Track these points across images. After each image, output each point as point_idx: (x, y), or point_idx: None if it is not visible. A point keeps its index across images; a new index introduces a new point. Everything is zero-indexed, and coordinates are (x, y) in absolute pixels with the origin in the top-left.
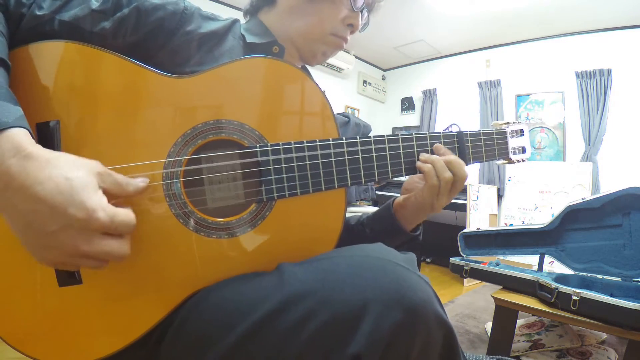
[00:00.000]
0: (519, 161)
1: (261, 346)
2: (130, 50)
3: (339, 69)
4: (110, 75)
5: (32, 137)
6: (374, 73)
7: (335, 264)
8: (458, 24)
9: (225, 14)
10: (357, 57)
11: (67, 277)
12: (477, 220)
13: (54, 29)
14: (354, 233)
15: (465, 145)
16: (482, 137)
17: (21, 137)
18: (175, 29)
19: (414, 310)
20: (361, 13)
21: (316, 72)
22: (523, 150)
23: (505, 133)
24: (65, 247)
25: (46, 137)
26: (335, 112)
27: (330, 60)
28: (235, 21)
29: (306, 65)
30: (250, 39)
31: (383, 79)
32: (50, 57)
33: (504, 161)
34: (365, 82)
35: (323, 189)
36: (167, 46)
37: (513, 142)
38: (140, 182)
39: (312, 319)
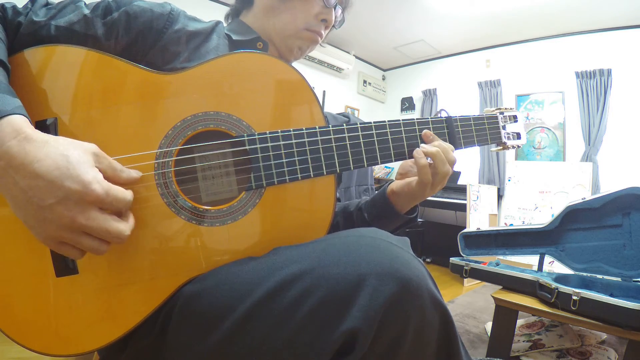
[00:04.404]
0: (514, 147)
1: (260, 326)
2: (123, 50)
3: (339, 69)
4: (103, 74)
5: (31, 124)
6: (374, 73)
7: (331, 244)
8: (458, 24)
9: (212, 9)
10: (357, 57)
11: (64, 267)
12: (477, 220)
13: (50, 34)
14: (353, 218)
15: (455, 130)
16: (472, 122)
17: (20, 122)
18: (163, 28)
19: (407, 284)
20: (335, 9)
21: (316, 72)
22: (518, 136)
23: (496, 118)
24: (63, 220)
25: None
26: (321, 100)
27: (330, 60)
28: (219, 22)
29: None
30: (235, 37)
31: (383, 79)
32: (45, 60)
33: (499, 147)
34: (365, 82)
35: (312, 175)
36: (157, 45)
37: (506, 128)
38: (133, 172)
39: (309, 296)
